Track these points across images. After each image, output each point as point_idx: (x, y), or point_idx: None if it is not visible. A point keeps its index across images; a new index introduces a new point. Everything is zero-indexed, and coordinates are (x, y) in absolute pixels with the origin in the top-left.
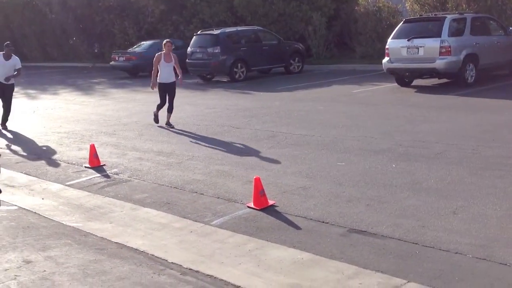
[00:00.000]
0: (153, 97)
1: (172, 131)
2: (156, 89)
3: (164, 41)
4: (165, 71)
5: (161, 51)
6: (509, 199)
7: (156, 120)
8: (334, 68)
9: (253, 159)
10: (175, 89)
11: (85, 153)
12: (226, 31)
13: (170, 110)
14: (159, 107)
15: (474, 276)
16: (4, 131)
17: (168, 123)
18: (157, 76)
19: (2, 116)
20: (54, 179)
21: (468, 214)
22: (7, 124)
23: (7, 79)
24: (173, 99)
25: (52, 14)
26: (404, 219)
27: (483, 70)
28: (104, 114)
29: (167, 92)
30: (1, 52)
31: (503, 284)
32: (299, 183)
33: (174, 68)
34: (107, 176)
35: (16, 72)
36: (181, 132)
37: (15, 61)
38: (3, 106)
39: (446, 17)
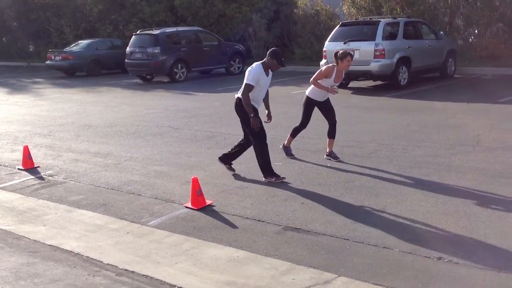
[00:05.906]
0: (90, 97)
1: (109, 132)
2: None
3: (342, 52)
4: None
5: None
6: (435, 196)
7: (288, 151)
8: None
9: (192, 159)
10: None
11: (19, 155)
12: (166, 31)
13: (331, 135)
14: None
15: (400, 269)
16: None
17: (330, 154)
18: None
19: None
20: None
21: (396, 210)
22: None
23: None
24: (334, 117)
25: None
26: (336, 216)
27: (415, 73)
28: (39, 114)
29: (324, 110)
30: (258, 62)
31: (426, 276)
32: (237, 183)
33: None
34: (41, 178)
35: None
36: (119, 132)
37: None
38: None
39: (380, 21)
